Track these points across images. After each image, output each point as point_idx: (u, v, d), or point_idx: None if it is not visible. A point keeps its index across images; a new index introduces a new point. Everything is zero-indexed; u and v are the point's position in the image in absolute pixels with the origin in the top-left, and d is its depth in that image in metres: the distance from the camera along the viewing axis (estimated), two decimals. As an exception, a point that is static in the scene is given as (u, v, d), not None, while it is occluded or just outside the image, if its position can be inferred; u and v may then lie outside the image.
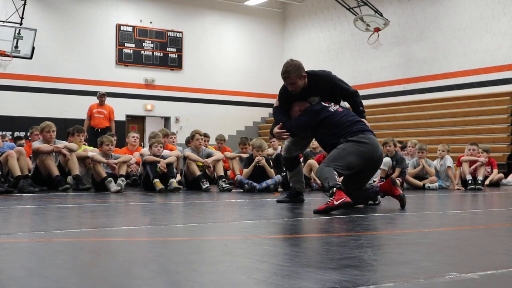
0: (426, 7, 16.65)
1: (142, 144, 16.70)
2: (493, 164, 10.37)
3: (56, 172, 7.50)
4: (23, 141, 11.28)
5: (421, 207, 5.84)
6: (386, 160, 8.95)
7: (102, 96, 12.87)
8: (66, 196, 6.59)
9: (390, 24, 16.79)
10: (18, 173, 7.17)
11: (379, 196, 5.47)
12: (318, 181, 8.43)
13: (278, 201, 5.69)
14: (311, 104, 5.35)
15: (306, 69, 5.25)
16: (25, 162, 7.41)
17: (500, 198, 7.57)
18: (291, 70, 5.14)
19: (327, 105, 5.26)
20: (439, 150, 9.52)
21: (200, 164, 8.42)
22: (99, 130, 12.34)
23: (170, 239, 3.19)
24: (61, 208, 5.16)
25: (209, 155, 8.52)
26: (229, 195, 7.07)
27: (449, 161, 9.32)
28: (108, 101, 18.43)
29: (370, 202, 5.41)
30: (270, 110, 21.45)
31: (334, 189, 4.61)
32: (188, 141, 9.40)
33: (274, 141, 9.99)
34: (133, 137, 9.31)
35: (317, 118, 5.16)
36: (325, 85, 5.28)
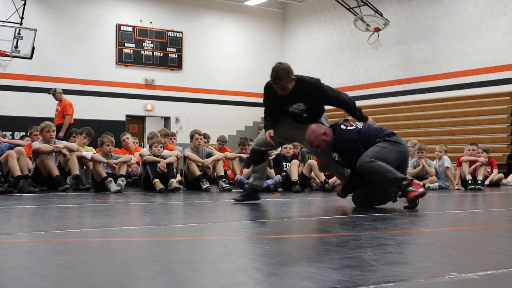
0: (426, 7, 16.65)
1: (142, 144, 16.70)
2: (493, 164, 10.37)
3: (56, 172, 7.50)
4: (27, 139, 11.09)
5: (421, 207, 5.84)
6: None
7: (53, 92, 12.00)
8: (66, 196, 6.59)
9: (390, 24, 16.78)
10: (18, 173, 7.17)
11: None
12: (318, 181, 8.43)
13: (235, 200, 5.65)
14: (331, 126, 5.31)
15: (296, 72, 5.20)
16: (25, 162, 7.41)
17: (500, 198, 7.57)
18: (282, 75, 5.04)
19: (353, 125, 5.28)
20: (437, 151, 9.52)
21: (200, 164, 8.42)
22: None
23: (170, 239, 3.19)
24: (61, 208, 5.16)
25: (209, 155, 8.53)
26: (229, 195, 7.07)
27: (447, 161, 9.31)
28: (108, 101, 18.56)
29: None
30: (270, 110, 21.55)
31: (409, 180, 5.00)
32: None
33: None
34: (124, 140, 9.11)
35: (360, 144, 5.14)
36: (313, 94, 5.20)
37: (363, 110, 5.68)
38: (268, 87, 5.31)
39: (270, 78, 5.11)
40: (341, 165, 5.38)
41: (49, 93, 12.14)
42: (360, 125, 5.34)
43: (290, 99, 5.20)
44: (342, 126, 5.28)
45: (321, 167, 5.70)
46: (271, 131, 5.32)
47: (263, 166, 5.68)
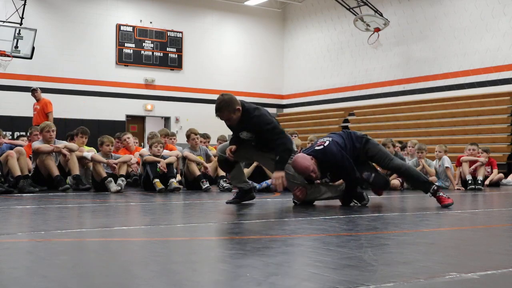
0: (426, 7, 16.65)
1: (142, 144, 16.70)
2: (493, 164, 10.37)
3: (56, 172, 7.50)
4: (22, 138, 11.08)
5: (421, 207, 5.84)
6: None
7: (33, 92, 11.92)
8: (66, 196, 6.59)
9: (390, 24, 16.78)
10: (18, 173, 7.17)
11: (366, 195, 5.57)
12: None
13: (228, 202, 5.60)
14: (310, 153, 5.31)
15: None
16: (25, 162, 7.41)
17: (500, 198, 7.57)
18: (222, 107, 5.09)
19: (325, 141, 5.33)
20: (437, 151, 9.52)
21: (200, 164, 8.43)
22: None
23: (170, 239, 3.19)
24: (61, 208, 5.16)
25: (206, 153, 8.66)
26: (229, 195, 7.06)
27: (447, 161, 9.31)
28: (108, 101, 18.55)
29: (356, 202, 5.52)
30: (271, 110, 21.51)
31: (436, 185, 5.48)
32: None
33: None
34: (125, 140, 9.18)
35: (349, 160, 5.22)
36: (254, 126, 5.22)
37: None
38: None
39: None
40: (327, 181, 5.50)
41: (31, 92, 12.00)
42: (327, 139, 5.42)
43: (239, 128, 5.30)
44: (318, 147, 5.31)
45: (299, 195, 5.41)
46: (233, 147, 5.36)
47: (237, 170, 5.60)
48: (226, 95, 5.21)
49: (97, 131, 14.23)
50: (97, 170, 7.62)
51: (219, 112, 5.13)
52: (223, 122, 5.35)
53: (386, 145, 8.98)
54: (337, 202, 5.70)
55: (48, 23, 17.52)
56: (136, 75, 19.05)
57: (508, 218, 4.81)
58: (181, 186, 7.84)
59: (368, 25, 16.58)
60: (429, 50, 16.48)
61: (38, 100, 11.97)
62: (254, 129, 5.24)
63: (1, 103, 16.56)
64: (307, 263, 2.38)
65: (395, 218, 4.50)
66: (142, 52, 19.10)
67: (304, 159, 5.17)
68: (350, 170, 5.21)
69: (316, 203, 5.63)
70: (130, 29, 18.91)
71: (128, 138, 9.14)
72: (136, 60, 18.99)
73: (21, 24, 15.69)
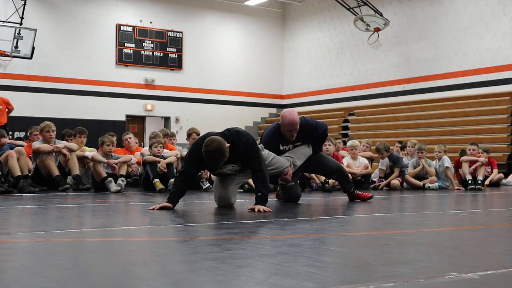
0: (426, 7, 16.65)
1: (142, 144, 16.69)
2: (493, 164, 10.36)
3: (56, 172, 7.50)
4: (23, 142, 11.07)
5: (421, 207, 5.84)
6: (384, 160, 8.97)
7: None
8: (66, 196, 6.59)
9: (390, 24, 16.78)
10: (18, 173, 7.17)
11: None
12: (318, 181, 8.43)
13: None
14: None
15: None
16: (25, 162, 7.41)
17: (500, 198, 7.57)
18: (218, 157, 4.68)
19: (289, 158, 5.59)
20: (436, 151, 9.52)
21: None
22: None
23: (170, 239, 3.19)
24: (61, 208, 5.16)
25: None
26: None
27: (446, 161, 9.31)
28: (108, 101, 18.56)
29: None
30: (270, 110, 21.58)
31: None
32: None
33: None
34: (126, 139, 9.18)
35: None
36: (245, 156, 4.93)
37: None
38: (198, 156, 4.82)
39: (206, 159, 4.72)
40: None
41: None
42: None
43: (224, 164, 4.92)
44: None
45: (288, 177, 5.52)
46: (168, 205, 4.81)
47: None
48: (212, 143, 4.65)
49: (97, 131, 14.22)
50: (97, 170, 7.62)
51: (218, 163, 4.74)
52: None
53: (379, 152, 8.98)
54: (338, 202, 5.71)
55: (48, 23, 17.52)
56: (136, 75, 19.05)
57: (508, 218, 4.81)
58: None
59: (368, 25, 16.58)
60: (429, 50, 16.48)
61: None
62: (244, 159, 4.93)
63: (1, 103, 16.55)
64: (307, 263, 2.38)
65: (395, 218, 4.50)
66: (142, 52, 19.11)
67: (294, 113, 5.50)
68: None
69: (316, 203, 5.63)
70: (130, 29, 18.91)
71: (130, 138, 9.15)
72: (136, 60, 18.99)
73: (21, 24, 15.68)
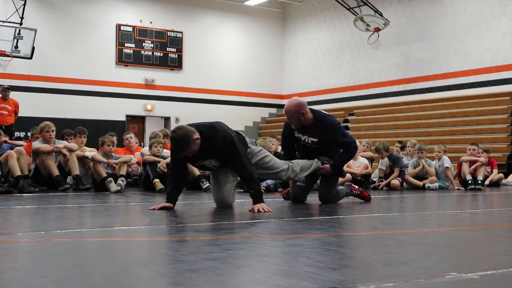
0: (426, 7, 16.65)
1: (142, 144, 16.69)
2: (493, 164, 10.36)
3: (56, 172, 7.50)
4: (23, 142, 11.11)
5: (421, 207, 5.84)
6: (384, 160, 8.97)
7: (5, 90, 11.73)
8: (66, 196, 6.59)
9: (390, 24, 16.79)
10: (18, 173, 7.17)
11: None
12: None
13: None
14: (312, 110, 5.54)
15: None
16: (25, 162, 7.41)
17: (500, 198, 7.57)
18: (183, 146, 4.60)
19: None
20: (436, 151, 9.52)
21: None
22: (3, 127, 11.19)
23: (170, 239, 3.19)
24: (61, 208, 5.16)
25: None
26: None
27: (446, 161, 9.31)
28: (108, 101, 18.56)
29: None
30: (270, 110, 21.57)
31: None
32: None
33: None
34: (127, 139, 9.20)
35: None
36: (222, 152, 4.81)
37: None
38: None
39: (171, 145, 4.76)
40: (311, 148, 5.59)
41: (1, 91, 11.83)
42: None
43: (201, 156, 4.84)
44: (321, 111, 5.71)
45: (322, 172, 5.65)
46: (168, 205, 4.81)
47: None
48: (179, 130, 4.62)
49: (97, 131, 14.24)
50: (97, 170, 7.62)
51: (182, 152, 4.66)
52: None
53: (379, 152, 8.98)
54: (339, 202, 5.71)
55: (48, 23, 17.53)
56: (136, 75, 19.06)
57: (508, 218, 4.80)
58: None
59: (368, 25, 16.58)
60: (429, 50, 16.48)
61: (6, 99, 11.87)
62: (222, 156, 4.83)
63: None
64: (307, 263, 2.38)
65: (395, 218, 4.50)
66: (142, 52, 19.11)
67: (298, 105, 5.44)
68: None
69: (316, 203, 5.63)
70: (130, 29, 18.91)
71: (131, 137, 9.18)
72: (136, 60, 19.00)
73: (21, 24, 15.69)
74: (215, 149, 4.79)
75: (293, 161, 5.53)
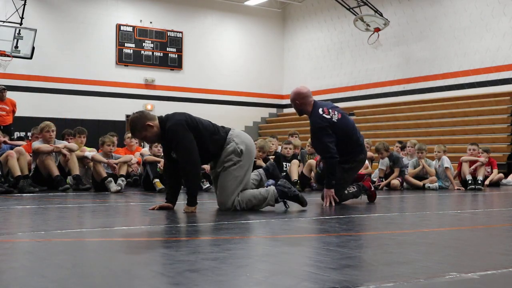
0: (426, 7, 16.65)
1: (142, 144, 16.67)
2: (493, 164, 10.36)
3: (56, 172, 7.50)
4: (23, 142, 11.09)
5: (421, 207, 5.84)
6: (384, 160, 8.97)
7: (1, 91, 11.66)
8: (66, 196, 6.59)
9: (390, 24, 16.78)
10: (18, 173, 7.17)
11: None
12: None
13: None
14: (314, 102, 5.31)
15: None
16: (25, 162, 7.40)
17: (500, 198, 7.57)
18: (131, 128, 4.63)
19: (329, 115, 5.38)
20: (436, 151, 9.52)
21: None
22: (2, 127, 11.18)
23: (170, 239, 3.19)
24: (61, 208, 5.16)
25: None
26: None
27: (446, 161, 9.30)
28: (108, 101, 18.56)
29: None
30: (270, 110, 21.57)
31: None
32: None
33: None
34: (128, 137, 9.22)
35: (329, 134, 5.36)
36: (170, 143, 4.61)
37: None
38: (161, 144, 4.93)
39: None
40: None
41: (1, 92, 11.78)
42: (336, 117, 5.40)
43: (167, 147, 4.71)
44: (320, 110, 5.36)
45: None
46: (168, 205, 4.75)
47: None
48: (136, 113, 4.62)
49: (97, 131, 14.23)
50: (97, 170, 7.62)
51: (132, 134, 4.76)
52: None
53: (379, 152, 8.98)
54: (337, 202, 5.71)
55: (48, 23, 17.52)
56: (136, 75, 19.06)
57: (508, 218, 4.80)
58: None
59: (368, 25, 16.58)
60: (429, 50, 16.48)
61: (3, 100, 11.83)
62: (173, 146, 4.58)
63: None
64: (307, 263, 2.38)
65: (395, 218, 4.50)
66: (142, 52, 19.11)
67: (299, 94, 5.38)
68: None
69: (316, 203, 5.63)
70: (130, 29, 18.91)
71: (131, 137, 9.17)
72: (136, 60, 18.99)
73: (21, 24, 15.68)
74: (167, 140, 4.60)
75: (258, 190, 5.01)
